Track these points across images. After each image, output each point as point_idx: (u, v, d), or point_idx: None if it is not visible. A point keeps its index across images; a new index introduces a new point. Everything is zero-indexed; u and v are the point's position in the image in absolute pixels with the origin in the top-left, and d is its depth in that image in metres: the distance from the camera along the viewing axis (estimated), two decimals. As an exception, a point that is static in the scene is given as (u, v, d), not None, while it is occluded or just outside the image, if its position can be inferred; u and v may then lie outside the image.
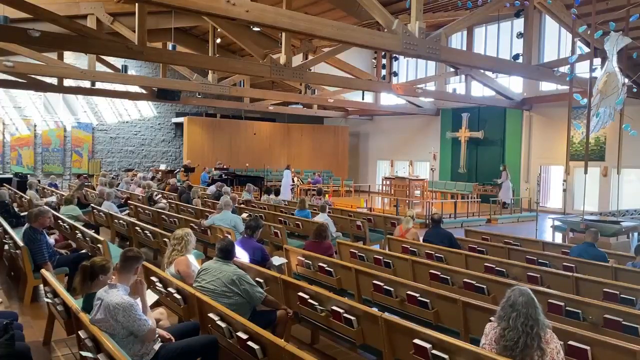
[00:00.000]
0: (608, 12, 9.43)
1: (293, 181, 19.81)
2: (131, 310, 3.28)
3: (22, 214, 8.99)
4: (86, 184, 15.36)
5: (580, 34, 10.37)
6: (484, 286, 5.04)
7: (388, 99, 21.85)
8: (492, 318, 3.05)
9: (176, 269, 4.77)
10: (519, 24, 15.02)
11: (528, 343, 2.76)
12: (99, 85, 16.88)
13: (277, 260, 5.97)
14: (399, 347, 3.59)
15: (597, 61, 10.27)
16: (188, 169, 19.53)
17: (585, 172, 9.18)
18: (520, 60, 10.74)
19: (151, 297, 4.15)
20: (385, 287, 4.82)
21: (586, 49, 10.60)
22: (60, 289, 4.25)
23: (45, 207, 7.26)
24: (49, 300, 4.51)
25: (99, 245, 6.47)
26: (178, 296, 4.36)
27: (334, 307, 4.09)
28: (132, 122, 22.60)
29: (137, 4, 9.83)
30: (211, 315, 3.82)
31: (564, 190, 11.16)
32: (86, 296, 3.66)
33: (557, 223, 11.04)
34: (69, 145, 21.14)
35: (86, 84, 16.51)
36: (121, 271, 3.46)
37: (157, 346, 3.45)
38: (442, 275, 5.51)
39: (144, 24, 9.90)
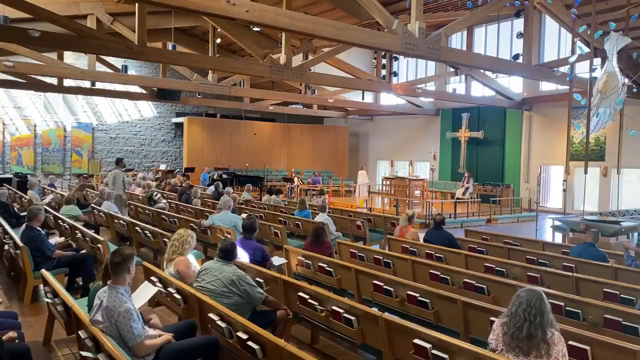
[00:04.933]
0: (608, 12, 9.44)
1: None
2: (126, 317, 3.24)
3: (22, 214, 9.01)
4: (87, 184, 15.35)
5: (580, 34, 10.37)
6: (484, 286, 5.04)
7: (388, 99, 21.85)
8: (500, 315, 3.05)
9: (176, 269, 4.77)
10: (519, 24, 15.02)
11: (532, 332, 2.76)
12: (99, 85, 16.88)
13: (277, 260, 5.96)
14: (399, 347, 3.58)
15: (597, 61, 10.26)
16: (188, 169, 19.54)
17: (585, 172, 9.18)
18: (520, 60, 10.73)
19: (150, 290, 4.13)
20: (385, 287, 4.81)
21: (586, 49, 10.59)
22: (60, 289, 4.24)
23: (38, 204, 7.41)
24: (49, 300, 4.51)
25: (99, 245, 6.47)
26: (178, 296, 4.36)
27: (334, 307, 4.09)
28: (132, 122, 22.59)
29: (137, 4, 9.83)
30: (211, 315, 3.82)
31: (564, 190, 11.16)
32: None
33: (557, 223, 11.02)
34: (69, 145, 21.14)
35: (86, 84, 16.50)
36: (116, 273, 3.41)
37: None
38: (442, 275, 5.50)
39: (144, 24, 9.90)
